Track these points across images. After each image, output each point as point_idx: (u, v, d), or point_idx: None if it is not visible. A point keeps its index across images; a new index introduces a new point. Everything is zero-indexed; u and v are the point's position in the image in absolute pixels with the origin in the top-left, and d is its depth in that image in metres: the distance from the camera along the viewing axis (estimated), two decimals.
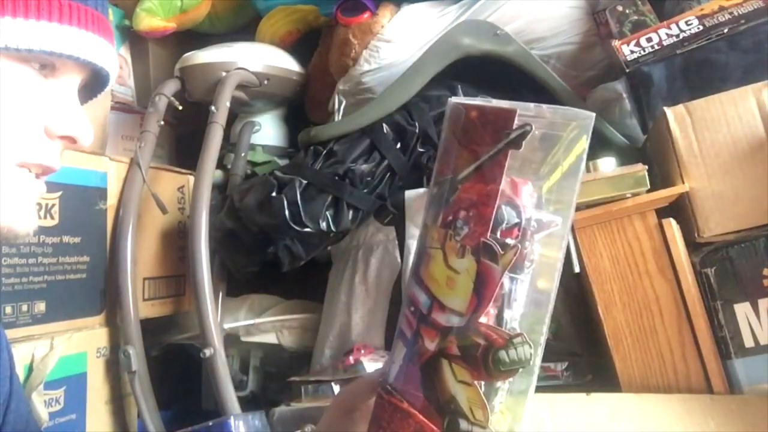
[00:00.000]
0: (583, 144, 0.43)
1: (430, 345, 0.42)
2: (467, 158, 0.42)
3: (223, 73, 1.10)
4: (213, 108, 1.04)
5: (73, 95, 0.50)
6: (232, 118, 1.18)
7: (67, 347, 0.83)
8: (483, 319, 0.40)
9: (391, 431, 0.44)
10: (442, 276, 0.42)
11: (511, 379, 0.42)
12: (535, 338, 0.41)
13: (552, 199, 0.43)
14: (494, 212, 0.40)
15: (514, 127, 0.40)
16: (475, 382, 0.41)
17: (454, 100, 0.44)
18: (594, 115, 0.42)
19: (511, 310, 0.42)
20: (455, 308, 0.41)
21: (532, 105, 0.41)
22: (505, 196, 0.41)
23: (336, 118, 1.07)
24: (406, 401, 0.43)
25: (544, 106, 0.42)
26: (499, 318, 0.42)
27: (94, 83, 0.53)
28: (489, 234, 0.40)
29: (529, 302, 0.43)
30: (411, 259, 0.55)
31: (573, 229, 0.76)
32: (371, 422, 0.45)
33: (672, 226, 0.74)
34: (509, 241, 0.41)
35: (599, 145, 0.88)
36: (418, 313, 0.43)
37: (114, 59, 0.52)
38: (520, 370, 0.40)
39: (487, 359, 0.40)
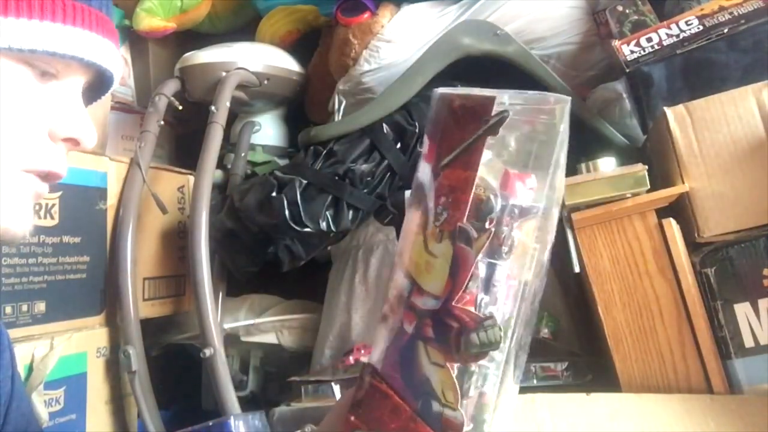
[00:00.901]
0: (565, 131, 0.43)
1: (408, 328, 0.43)
2: (449, 146, 0.43)
3: (223, 73, 1.10)
4: (213, 108, 1.04)
5: (77, 97, 0.49)
6: (232, 118, 1.18)
7: (67, 347, 0.83)
8: (467, 306, 0.41)
9: (369, 411, 0.44)
10: (421, 260, 0.43)
11: (484, 363, 0.42)
12: (508, 323, 0.42)
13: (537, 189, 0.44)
14: (470, 198, 0.41)
15: (492, 114, 0.41)
16: (448, 364, 0.41)
17: (440, 90, 0.45)
18: (569, 99, 0.42)
19: (489, 296, 0.42)
20: (432, 292, 0.42)
21: (511, 92, 0.42)
22: (493, 187, 0.42)
23: (336, 118, 1.06)
24: (385, 383, 0.44)
25: (528, 92, 0.43)
26: (475, 302, 0.42)
27: (97, 85, 0.53)
28: (465, 219, 0.41)
29: (510, 290, 0.43)
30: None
31: (573, 229, 0.76)
32: (352, 404, 0.46)
33: (672, 226, 0.74)
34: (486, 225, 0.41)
35: (599, 145, 0.88)
36: (399, 297, 0.44)
37: (118, 60, 0.52)
38: (491, 353, 0.41)
39: (458, 341, 0.41)
